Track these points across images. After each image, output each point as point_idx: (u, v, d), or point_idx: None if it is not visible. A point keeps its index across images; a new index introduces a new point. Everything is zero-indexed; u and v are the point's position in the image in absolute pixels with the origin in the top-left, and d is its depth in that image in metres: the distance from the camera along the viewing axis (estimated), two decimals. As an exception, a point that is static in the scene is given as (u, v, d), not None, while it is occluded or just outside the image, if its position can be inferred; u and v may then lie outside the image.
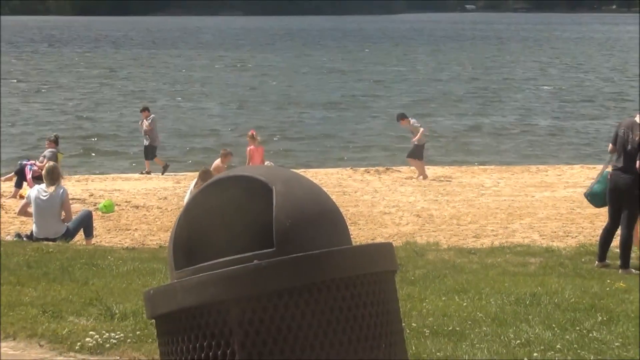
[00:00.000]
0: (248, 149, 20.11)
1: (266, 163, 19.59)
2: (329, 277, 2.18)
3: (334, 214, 2.34)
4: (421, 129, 21.37)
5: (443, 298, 7.40)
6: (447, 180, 20.39)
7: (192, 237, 2.35)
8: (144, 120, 23.68)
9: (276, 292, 2.15)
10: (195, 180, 17.52)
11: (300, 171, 21.34)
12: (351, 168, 22.93)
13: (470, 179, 20.56)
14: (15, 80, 51.49)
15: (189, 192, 17.39)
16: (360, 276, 2.24)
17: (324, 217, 2.29)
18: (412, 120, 21.75)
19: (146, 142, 23.60)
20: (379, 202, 17.27)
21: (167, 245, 2.37)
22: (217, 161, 19.63)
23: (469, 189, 18.93)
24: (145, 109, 24.17)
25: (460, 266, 9.71)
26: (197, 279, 2.18)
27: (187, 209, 2.35)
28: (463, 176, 21.17)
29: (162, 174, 22.68)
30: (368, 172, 21.82)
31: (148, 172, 23.13)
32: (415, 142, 21.10)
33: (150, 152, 23.57)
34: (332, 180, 20.37)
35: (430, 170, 21.96)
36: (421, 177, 20.74)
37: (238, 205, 2.37)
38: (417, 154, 21.08)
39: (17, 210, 14.06)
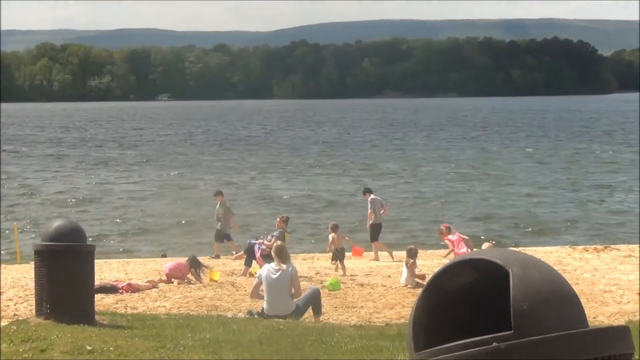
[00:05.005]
0: (445, 239, 20.23)
1: (485, 244, 19.45)
2: (568, 360, 2.20)
3: (570, 296, 2.35)
4: (383, 209, 21.66)
5: (670, 379, 7.11)
6: None
7: (431, 318, 2.42)
8: (218, 204, 23.71)
9: (515, 374, 2.18)
10: (405, 259, 17.71)
11: (519, 249, 21.26)
12: (570, 246, 22.54)
13: (690, 256, 19.79)
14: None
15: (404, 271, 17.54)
16: (598, 359, 2.24)
17: (560, 300, 2.31)
18: (372, 197, 21.76)
19: (218, 227, 23.51)
20: (599, 280, 16.97)
21: (406, 324, 2.46)
22: (332, 235, 20.13)
23: (689, 266, 18.23)
24: (218, 193, 24.07)
25: (685, 345, 9.30)
26: (437, 360, 2.25)
27: (426, 290, 2.43)
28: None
29: (233, 258, 22.24)
30: (587, 250, 21.45)
31: (217, 256, 22.77)
32: (370, 221, 21.47)
33: (219, 236, 23.47)
34: (552, 259, 20.16)
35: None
36: (383, 258, 21.04)
37: (475, 288, 2.43)
38: (373, 235, 21.54)
39: (249, 292, 14.53)
